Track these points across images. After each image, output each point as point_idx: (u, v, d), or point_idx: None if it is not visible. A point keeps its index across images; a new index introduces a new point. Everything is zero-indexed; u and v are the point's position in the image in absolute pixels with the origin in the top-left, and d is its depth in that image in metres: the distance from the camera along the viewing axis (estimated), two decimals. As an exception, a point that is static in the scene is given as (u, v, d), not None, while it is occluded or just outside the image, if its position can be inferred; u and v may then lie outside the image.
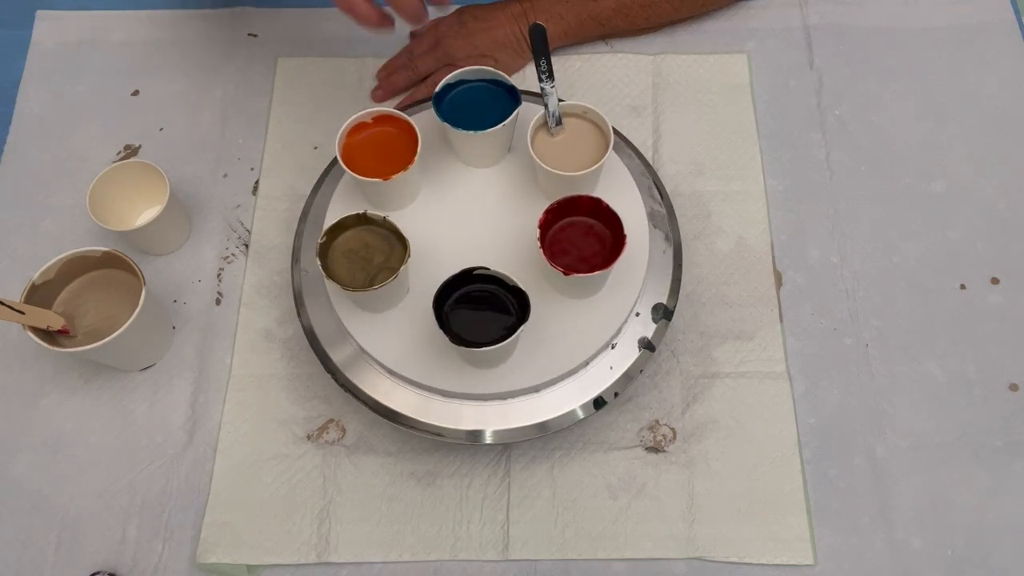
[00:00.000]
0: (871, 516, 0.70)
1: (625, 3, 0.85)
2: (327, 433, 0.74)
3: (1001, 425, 0.73)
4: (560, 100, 0.71)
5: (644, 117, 0.86)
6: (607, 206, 0.66)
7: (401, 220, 0.66)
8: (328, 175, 0.78)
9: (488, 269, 0.64)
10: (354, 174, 0.68)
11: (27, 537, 0.70)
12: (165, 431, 0.74)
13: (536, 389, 0.68)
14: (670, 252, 0.74)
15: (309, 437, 0.73)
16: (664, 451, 0.73)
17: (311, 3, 0.92)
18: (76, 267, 0.71)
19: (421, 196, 0.74)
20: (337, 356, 0.70)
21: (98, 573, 0.68)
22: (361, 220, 0.67)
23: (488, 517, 0.71)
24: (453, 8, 0.87)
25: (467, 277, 0.64)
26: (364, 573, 0.69)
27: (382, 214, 0.66)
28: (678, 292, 0.73)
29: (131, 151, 0.85)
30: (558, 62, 0.88)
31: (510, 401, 0.68)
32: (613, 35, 0.89)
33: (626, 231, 0.64)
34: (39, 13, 0.92)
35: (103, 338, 0.66)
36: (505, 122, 0.69)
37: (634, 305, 0.70)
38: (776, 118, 0.86)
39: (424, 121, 0.71)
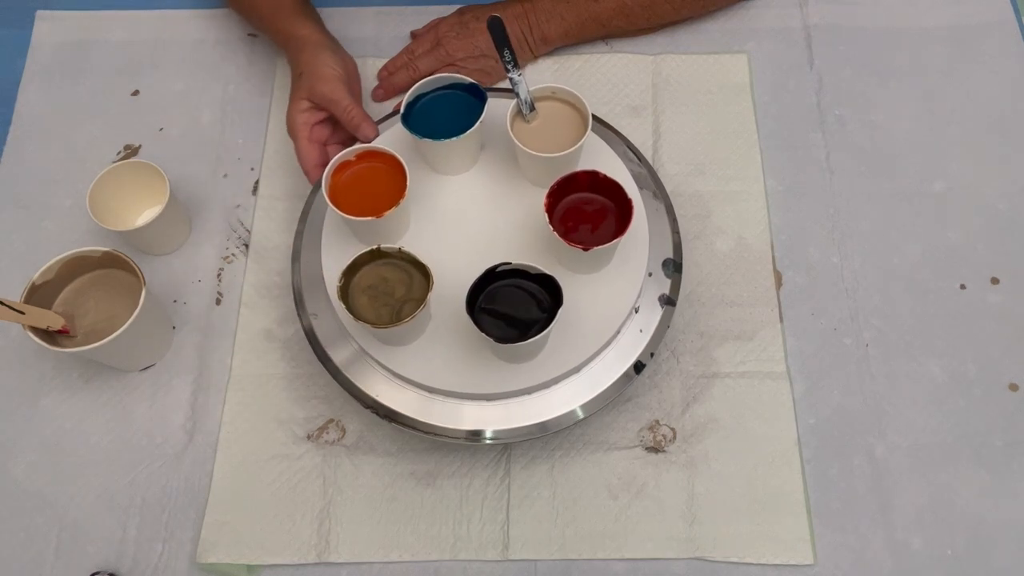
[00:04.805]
0: (871, 516, 0.70)
1: (626, 4, 0.85)
2: (327, 433, 0.74)
3: (1001, 425, 0.73)
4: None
5: (644, 117, 0.86)
6: (604, 176, 0.67)
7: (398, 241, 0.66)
8: (328, 175, 0.78)
9: (511, 264, 0.64)
10: (346, 215, 0.66)
11: (27, 537, 0.70)
12: (165, 431, 0.74)
13: (577, 370, 0.68)
14: (662, 208, 0.75)
15: (309, 437, 0.73)
16: (664, 451, 0.73)
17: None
18: (76, 267, 0.71)
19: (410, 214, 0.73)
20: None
21: (98, 573, 0.68)
22: (375, 255, 0.66)
23: (488, 517, 0.71)
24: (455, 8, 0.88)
25: (489, 276, 0.64)
26: (364, 573, 0.69)
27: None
28: (680, 245, 0.74)
29: (131, 151, 0.85)
30: (558, 62, 0.88)
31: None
32: (613, 35, 0.89)
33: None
34: (39, 13, 0.92)
35: (103, 338, 0.66)
36: (481, 119, 0.69)
37: (647, 265, 0.71)
38: (776, 118, 0.86)
39: (394, 137, 0.70)
